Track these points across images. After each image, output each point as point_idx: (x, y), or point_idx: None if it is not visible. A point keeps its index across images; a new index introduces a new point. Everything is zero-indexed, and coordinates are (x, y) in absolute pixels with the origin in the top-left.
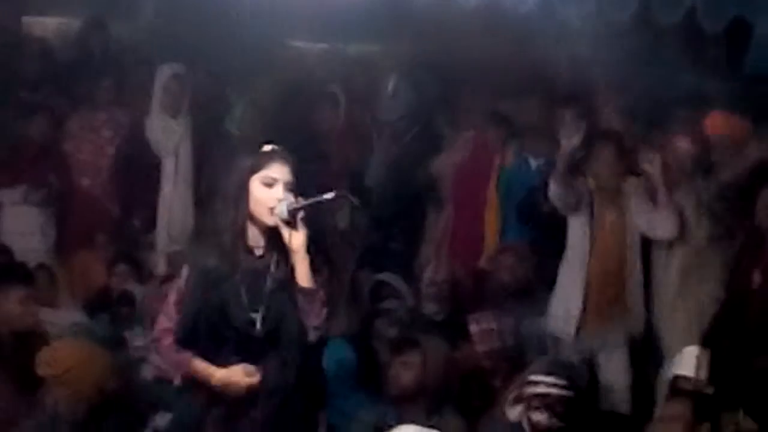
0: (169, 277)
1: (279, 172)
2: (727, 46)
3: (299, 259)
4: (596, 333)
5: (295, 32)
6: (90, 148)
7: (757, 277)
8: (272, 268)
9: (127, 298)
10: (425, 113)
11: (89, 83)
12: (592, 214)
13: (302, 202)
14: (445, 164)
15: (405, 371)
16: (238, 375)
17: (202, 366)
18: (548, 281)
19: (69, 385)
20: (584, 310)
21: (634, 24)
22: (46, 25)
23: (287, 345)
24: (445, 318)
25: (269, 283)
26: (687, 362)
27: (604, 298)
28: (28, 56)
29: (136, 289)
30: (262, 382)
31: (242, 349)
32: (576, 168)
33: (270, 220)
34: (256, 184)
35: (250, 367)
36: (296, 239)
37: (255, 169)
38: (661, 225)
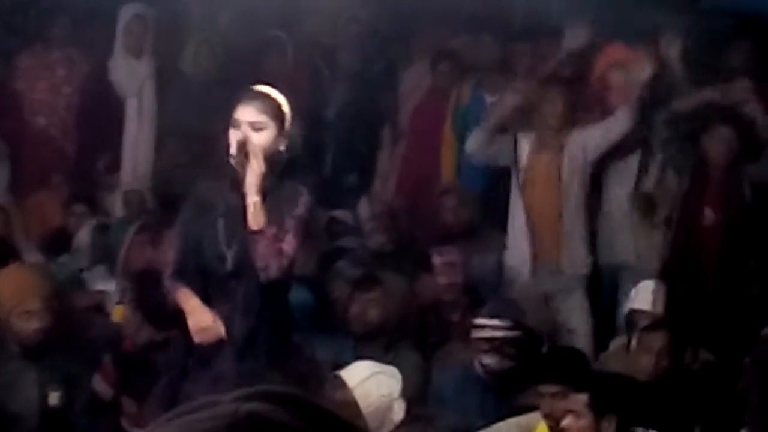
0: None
1: (242, 113)
2: None
3: (248, 200)
4: (549, 275)
5: None
6: (44, 86)
7: (709, 214)
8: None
9: (83, 239)
10: (382, 52)
11: (41, 21)
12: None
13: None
14: (403, 101)
15: (371, 309)
16: (208, 320)
17: (185, 297)
18: (501, 220)
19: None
20: (535, 252)
21: None
22: None
23: (249, 285)
24: (397, 249)
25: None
26: (643, 297)
27: (548, 240)
28: None
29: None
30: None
31: (212, 284)
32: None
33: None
34: (231, 126)
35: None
36: (248, 179)
37: (231, 111)
38: (616, 122)
